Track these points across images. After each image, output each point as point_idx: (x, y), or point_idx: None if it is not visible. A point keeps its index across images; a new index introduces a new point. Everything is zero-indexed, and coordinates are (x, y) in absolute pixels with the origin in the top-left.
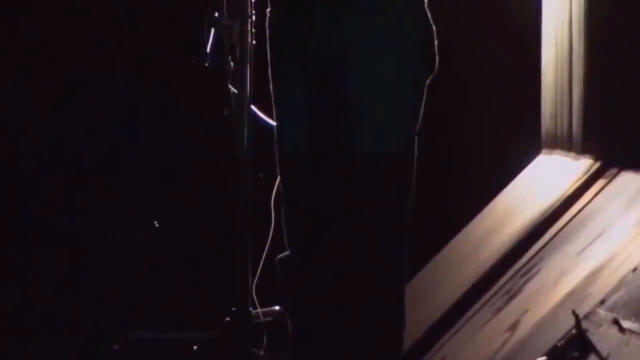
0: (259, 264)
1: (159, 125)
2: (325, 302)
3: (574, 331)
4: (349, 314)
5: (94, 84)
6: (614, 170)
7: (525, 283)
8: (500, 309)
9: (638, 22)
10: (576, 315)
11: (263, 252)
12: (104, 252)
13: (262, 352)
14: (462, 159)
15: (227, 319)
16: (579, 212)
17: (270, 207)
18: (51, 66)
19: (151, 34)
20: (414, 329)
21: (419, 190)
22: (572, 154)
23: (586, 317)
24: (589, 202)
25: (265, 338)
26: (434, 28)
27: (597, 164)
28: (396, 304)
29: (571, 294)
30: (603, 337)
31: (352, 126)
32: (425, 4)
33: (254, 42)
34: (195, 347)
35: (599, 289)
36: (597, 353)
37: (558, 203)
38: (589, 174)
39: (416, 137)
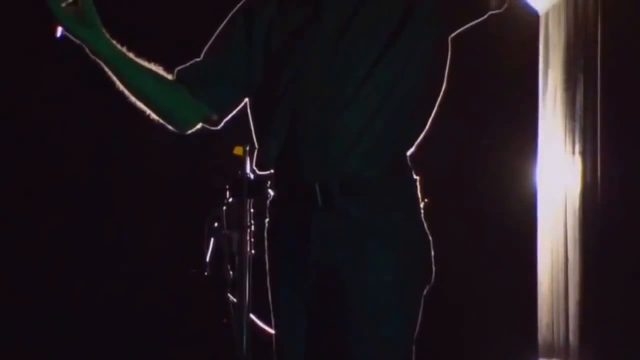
0: None
1: (158, 331)
2: None
3: None
4: None
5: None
6: None
7: None
8: None
9: (634, 230)
10: None
11: None
12: None
13: None
14: None
15: None
16: None
17: None
18: None
19: (152, 244)
20: None
21: None
22: None
23: None
24: None
25: None
26: (430, 239)
27: None
28: None
29: None
30: None
31: (349, 339)
32: (422, 215)
33: (253, 251)
34: None
35: None
36: None
37: None
38: None
39: (414, 346)
